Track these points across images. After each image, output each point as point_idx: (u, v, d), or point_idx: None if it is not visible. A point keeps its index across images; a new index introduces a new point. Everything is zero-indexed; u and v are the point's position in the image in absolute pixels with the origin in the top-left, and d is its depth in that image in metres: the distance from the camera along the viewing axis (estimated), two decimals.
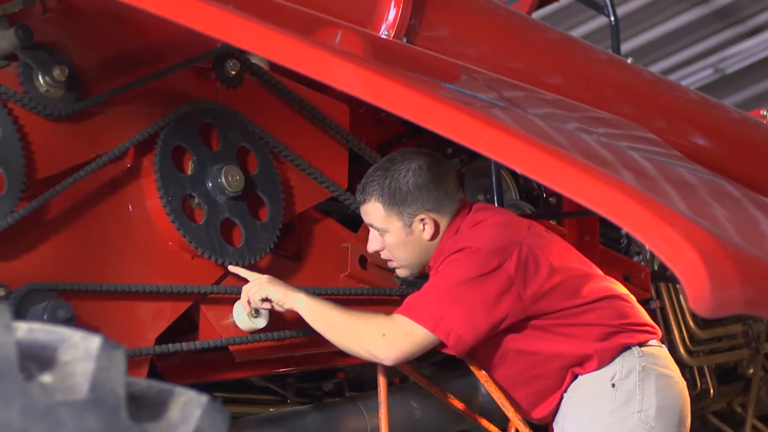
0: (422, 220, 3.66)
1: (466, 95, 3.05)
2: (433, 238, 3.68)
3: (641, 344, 3.64)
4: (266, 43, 2.21)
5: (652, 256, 5.69)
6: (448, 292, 3.50)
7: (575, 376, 3.64)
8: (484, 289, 3.49)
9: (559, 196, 4.91)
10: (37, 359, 1.74)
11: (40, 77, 3.25)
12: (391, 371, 3.81)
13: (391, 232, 3.69)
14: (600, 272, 3.78)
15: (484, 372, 3.69)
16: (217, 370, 3.91)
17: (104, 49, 3.46)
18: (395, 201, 3.64)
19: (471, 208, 3.74)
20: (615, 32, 5.81)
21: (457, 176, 3.92)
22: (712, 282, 2.06)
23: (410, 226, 3.67)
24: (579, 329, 3.59)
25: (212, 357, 3.91)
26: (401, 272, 3.84)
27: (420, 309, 3.51)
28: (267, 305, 3.58)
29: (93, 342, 1.78)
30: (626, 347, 3.61)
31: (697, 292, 2.07)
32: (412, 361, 4.12)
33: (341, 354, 4.15)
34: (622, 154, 3.18)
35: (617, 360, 3.60)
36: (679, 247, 2.09)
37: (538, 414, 3.73)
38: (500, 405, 3.71)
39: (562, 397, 3.68)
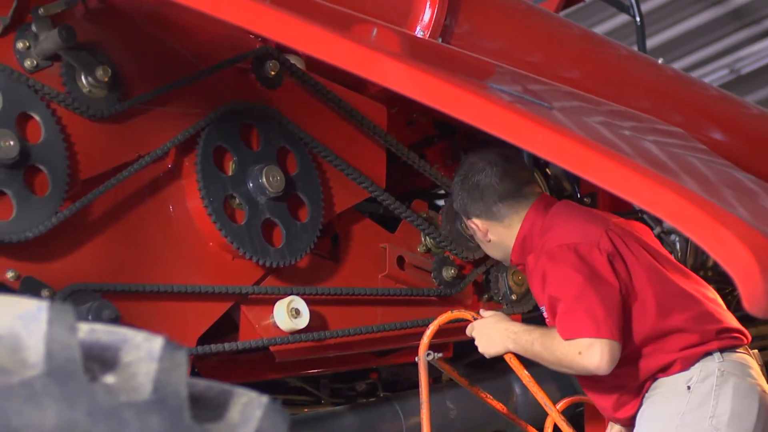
0: (470, 224, 3.96)
1: (512, 95, 3.04)
2: (486, 239, 3.91)
3: (724, 349, 3.60)
4: (320, 43, 2.21)
5: (684, 256, 5.68)
6: (577, 298, 3.53)
7: (656, 379, 3.64)
8: (596, 280, 3.55)
9: (593, 196, 4.89)
10: (99, 360, 1.73)
11: (83, 78, 3.25)
12: (432, 371, 3.80)
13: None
14: (691, 272, 3.80)
15: (527, 372, 3.69)
16: (255, 370, 3.91)
17: (146, 49, 3.46)
18: (457, 206, 3.98)
19: (550, 207, 3.84)
20: (641, 31, 5.83)
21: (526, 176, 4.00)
22: (767, 282, 2.05)
23: (470, 228, 4.00)
24: (664, 341, 3.58)
25: (249, 357, 3.91)
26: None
27: (573, 325, 3.53)
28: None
29: (155, 343, 1.78)
30: (708, 352, 3.59)
31: (751, 292, 2.06)
32: (449, 361, 4.12)
33: (378, 354, 4.16)
34: (675, 156, 3.18)
35: (697, 364, 3.58)
36: (734, 248, 2.08)
37: (621, 415, 3.73)
38: (543, 405, 3.71)
39: (643, 399, 3.67)
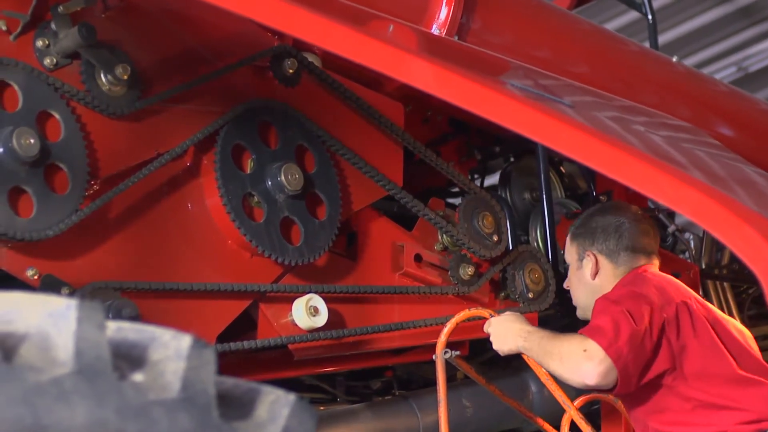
0: (588, 255, 3.95)
1: (531, 93, 3.04)
2: (593, 276, 3.92)
3: None
4: (346, 42, 2.21)
5: (700, 254, 5.68)
6: (613, 317, 3.56)
7: None
8: (639, 321, 3.55)
9: (609, 194, 4.89)
10: (128, 358, 1.74)
11: (102, 76, 3.25)
12: (447, 369, 3.80)
13: (570, 265, 4.06)
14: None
15: (544, 370, 3.69)
16: (271, 368, 3.91)
17: (164, 47, 3.46)
18: (578, 234, 4.02)
19: (647, 271, 3.88)
20: (653, 29, 5.83)
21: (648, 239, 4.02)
22: None
23: (581, 260, 3.98)
24: (716, 413, 3.58)
25: (266, 355, 3.90)
26: (578, 312, 4.07)
27: (596, 329, 3.56)
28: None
29: (183, 341, 1.79)
30: (762, 431, 3.55)
31: None
32: (465, 359, 4.12)
33: (395, 352, 4.16)
34: (687, 152, 3.18)
35: None
36: (758, 245, 2.08)
37: None
38: (561, 402, 3.71)
39: None
